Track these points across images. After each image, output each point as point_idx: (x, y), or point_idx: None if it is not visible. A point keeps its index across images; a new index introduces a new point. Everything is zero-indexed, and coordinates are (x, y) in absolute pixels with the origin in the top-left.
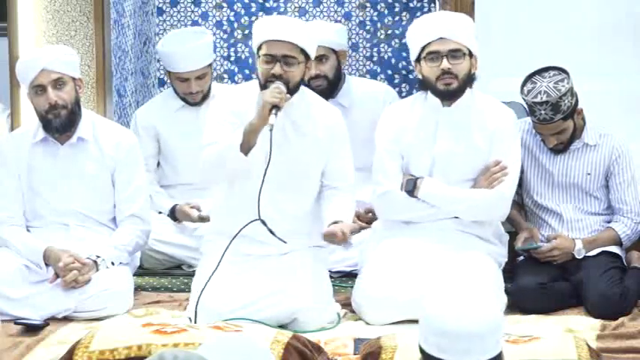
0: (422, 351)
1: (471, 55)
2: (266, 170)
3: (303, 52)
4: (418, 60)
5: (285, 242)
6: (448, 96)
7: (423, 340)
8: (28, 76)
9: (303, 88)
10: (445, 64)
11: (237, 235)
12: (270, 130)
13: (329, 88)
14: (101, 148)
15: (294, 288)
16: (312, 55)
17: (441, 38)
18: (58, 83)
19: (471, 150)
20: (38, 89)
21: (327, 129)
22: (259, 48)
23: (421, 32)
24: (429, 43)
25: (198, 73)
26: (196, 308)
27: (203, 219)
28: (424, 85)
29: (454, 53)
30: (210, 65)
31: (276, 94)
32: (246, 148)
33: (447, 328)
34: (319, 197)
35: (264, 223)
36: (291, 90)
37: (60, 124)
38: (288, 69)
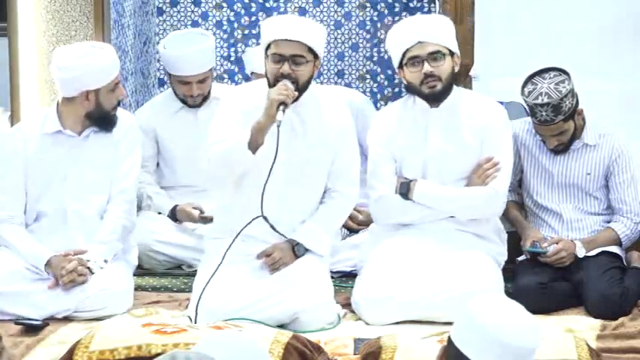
0: (458, 352)
1: (452, 54)
2: (272, 167)
3: (311, 51)
4: (401, 66)
5: (286, 238)
6: (434, 98)
7: (470, 348)
8: None
9: (313, 87)
10: (427, 67)
11: (240, 232)
12: (278, 126)
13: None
14: (107, 133)
15: (295, 288)
16: (321, 54)
17: (419, 42)
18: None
19: (463, 149)
20: None
21: (336, 129)
22: (268, 47)
23: (399, 39)
24: (409, 49)
25: (200, 77)
26: (197, 308)
27: (205, 219)
28: (410, 89)
29: (434, 55)
30: (211, 69)
31: (282, 91)
32: (254, 146)
33: (506, 341)
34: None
35: (266, 219)
36: (300, 89)
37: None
38: (297, 68)
